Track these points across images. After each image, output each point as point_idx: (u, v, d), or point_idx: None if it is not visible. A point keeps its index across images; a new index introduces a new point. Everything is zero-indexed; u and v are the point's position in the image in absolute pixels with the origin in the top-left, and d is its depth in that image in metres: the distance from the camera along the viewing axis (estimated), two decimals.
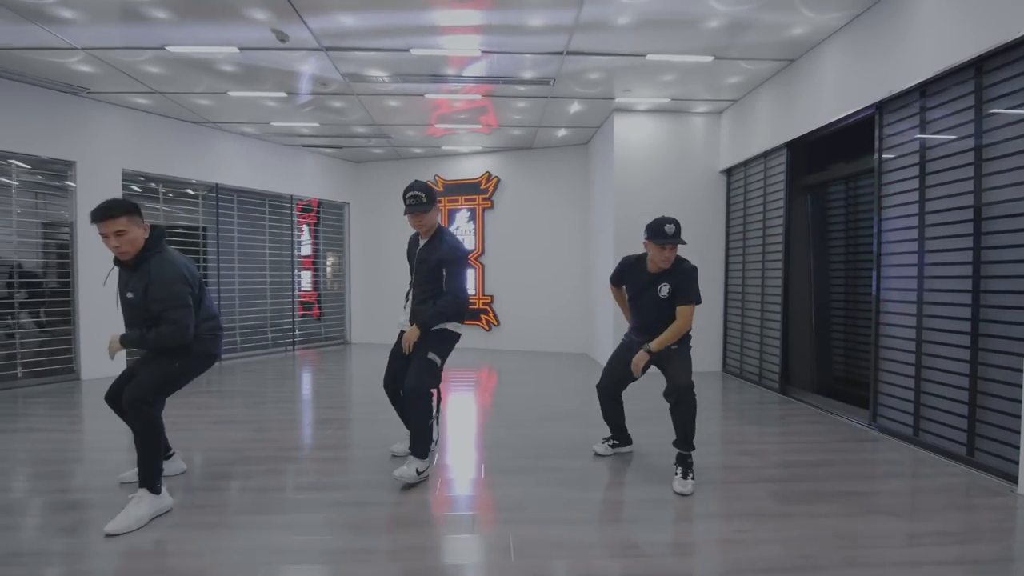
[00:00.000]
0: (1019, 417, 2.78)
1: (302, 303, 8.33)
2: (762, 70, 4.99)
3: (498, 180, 7.96)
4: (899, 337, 3.70)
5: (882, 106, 3.82)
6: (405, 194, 2.95)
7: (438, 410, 3.02)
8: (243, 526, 2.41)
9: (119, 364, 5.93)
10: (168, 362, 2.56)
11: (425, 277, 2.99)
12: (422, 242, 3.07)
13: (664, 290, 2.97)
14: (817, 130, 4.53)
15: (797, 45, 4.45)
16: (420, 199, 2.92)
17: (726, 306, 6.20)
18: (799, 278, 5.15)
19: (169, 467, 2.92)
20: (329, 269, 8.75)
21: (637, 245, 6.15)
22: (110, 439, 3.68)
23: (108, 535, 2.26)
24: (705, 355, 6.19)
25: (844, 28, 4.11)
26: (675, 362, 2.97)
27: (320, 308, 8.63)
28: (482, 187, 8.02)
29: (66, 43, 4.38)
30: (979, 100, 3.09)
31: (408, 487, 2.81)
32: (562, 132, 7.07)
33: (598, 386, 3.34)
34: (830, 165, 5.03)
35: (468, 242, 8.01)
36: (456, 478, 3.00)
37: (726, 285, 6.20)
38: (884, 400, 3.84)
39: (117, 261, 2.56)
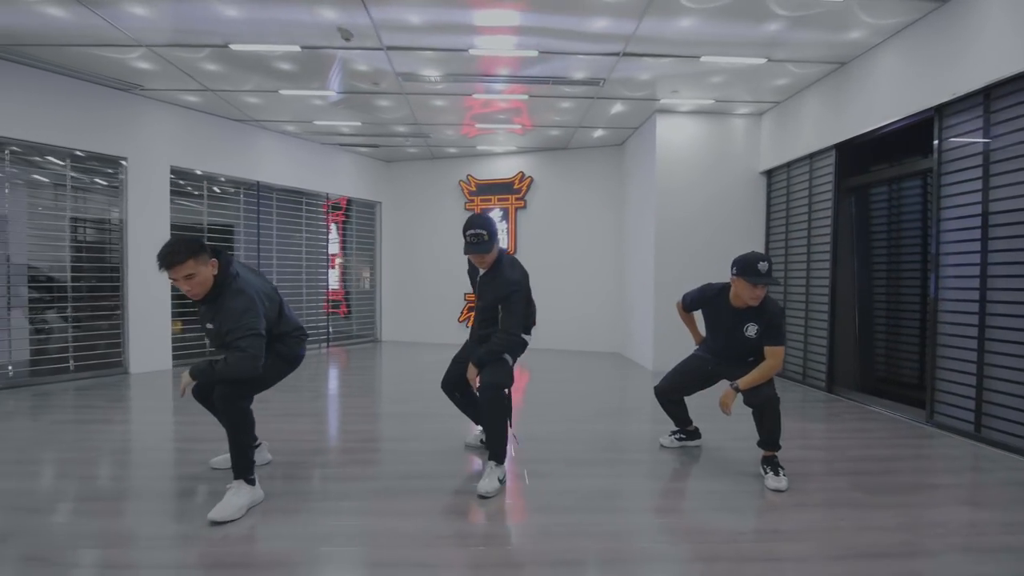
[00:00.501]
0: None
1: (331, 301, 8.39)
2: (809, 73, 5.06)
3: (531, 180, 8.04)
4: (960, 336, 3.77)
5: (941, 109, 3.89)
6: (465, 231, 2.82)
7: (509, 413, 3.00)
8: (324, 512, 2.49)
9: (167, 359, 6.01)
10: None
11: (485, 306, 2.99)
12: (482, 271, 3.00)
13: (751, 330, 2.92)
14: (867, 133, 4.60)
15: (851, 48, 4.53)
16: (482, 237, 2.78)
17: None
18: (844, 279, 5.22)
19: (256, 456, 2.99)
20: (364, 276, 8.80)
21: (679, 245, 6.23)
22: (190, 430, 3.75)
23: (212, 522, 2.32)
24: None
25: (900, 33, 4.18)
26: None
27: (348, 306, 8.70)
28: (515, 187, 8.10)
29: (131, 39, 4.45)
30: None
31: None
32: (599, 133, 7.15)
33: (657, 389, 3.36)
34: (873, 167, 5.11)
35: (500, 241, 8.07)
36: (537, 470, 3.06)
37: None
38: (942, 398, 3.91)
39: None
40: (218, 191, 6.81)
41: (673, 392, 3.34)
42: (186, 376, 2.47)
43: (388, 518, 2.41)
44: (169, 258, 2.36)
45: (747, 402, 2.95)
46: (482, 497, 2.65)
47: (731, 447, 3.45)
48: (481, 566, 2.05)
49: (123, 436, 3.64)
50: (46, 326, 5.47)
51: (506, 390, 2.89)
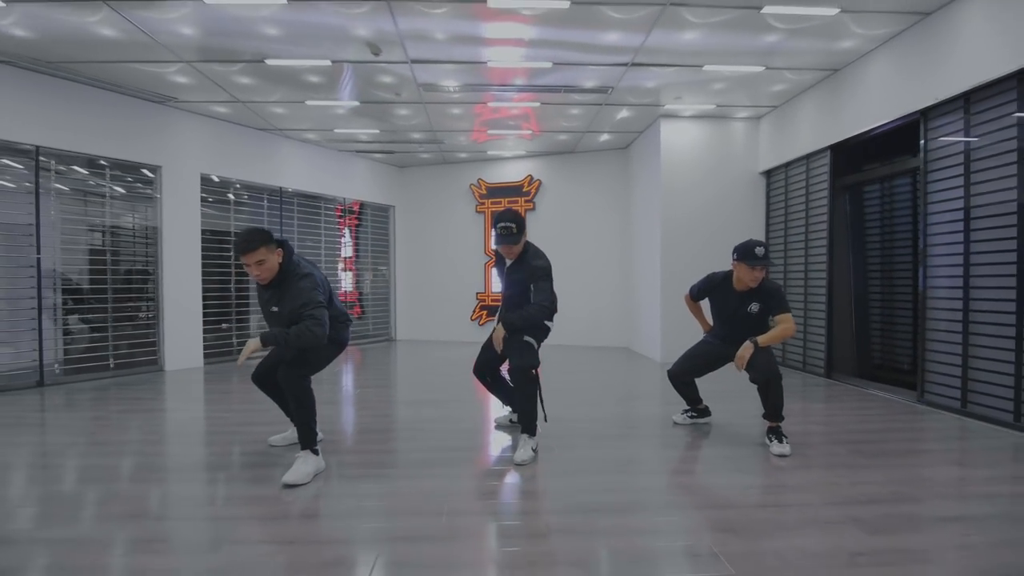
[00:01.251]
0: None
1: (346, 302, 8.70)
2: (805, 79, 5.41)
3: (540, 183, 8.38)
4: (947, 320, 4.10)
5: (926, 112, 4.23)
6: (496, 224, 3.11)
7: (540, 391, 3.27)
8: (376, 476, 2.80)
9: (199, 356, 6.31)
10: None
11: (516, 292, 3.25)
12: (509, 261, 3.28)
13: (755, 308, 3.29)
14: (860, 134, 4.94)
15: (843, 56, 4.87)
16: (511, 230, 3.07)
17: None
18: (840, 272, 5.56)
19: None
20: (370, 279, 9.11)
21: (684, 242, 6.58)
22: (240, 416, 4.06)
23: (285, 485, 2.63)
24: None
25: (888, 42, 4.53)
26: (761, 355, 3.23)
27: (362, 307, 9.00)
28: (524, 189, 8.44)
29: (173, 56, 4.79)
30: (1021, 107, 3.50)
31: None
32: (605, 137, 7.50)
33: (670, 373, 3.68)
34: (866, 166, 5.46)
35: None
36: (563, 443, 3.37)
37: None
38: (931, 378, 4.24)
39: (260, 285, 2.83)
40: (246, 197, 7.13)
41: (685, 375, 3.66)
42: (255, 343, 2.67)
43: (433, 480, 2.73)
44: (244, 245, 2.65)
45: (753, 379, 3.28)
46: (518, 465, 2.96)
47: (740, 423, 3.77)
48: (522, 513, 2.37)
49: (180, 422, 3.96)
50: (87, 327, 5.78)
51: (534, 371, 3.18)
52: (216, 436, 3.58)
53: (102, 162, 5.64)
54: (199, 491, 2.63)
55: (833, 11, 3.99)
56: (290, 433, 3.28)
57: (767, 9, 3.95)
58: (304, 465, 2.72)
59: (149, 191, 6.05)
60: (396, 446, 3.35)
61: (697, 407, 3.79)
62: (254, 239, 2.66)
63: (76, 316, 5.72)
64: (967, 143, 3.91)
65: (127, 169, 5.86)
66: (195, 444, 3.44)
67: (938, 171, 4.19)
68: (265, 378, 3.13)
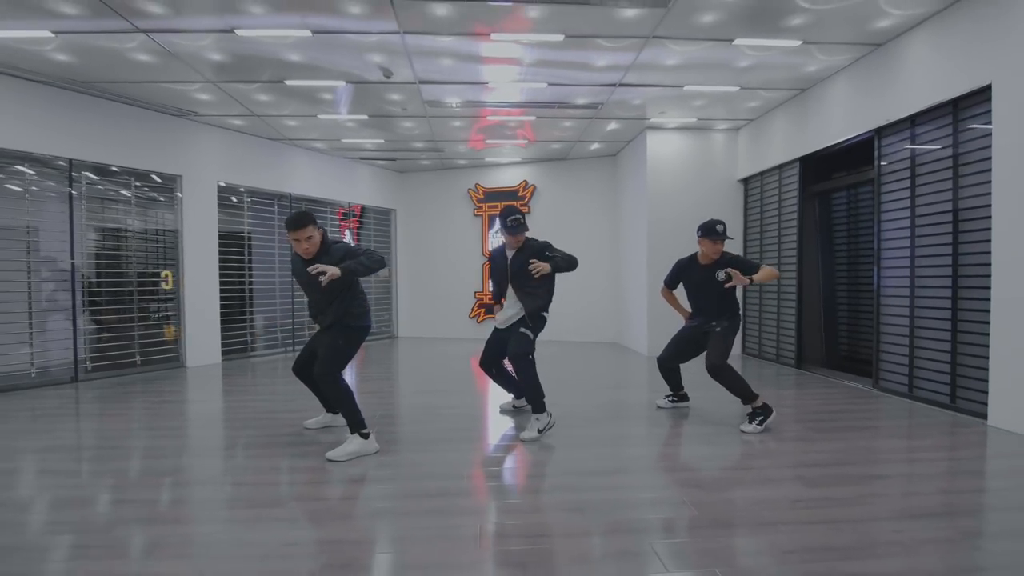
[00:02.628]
0: (987, 370, 3.72)
1: None
2: (776, 97, 5.95)
3: (535, 188, 8.88)
4: (896, 315, 4.65)
5: (880, 130, 4.77)
6: (507, 218, 3.60)
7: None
8: (418, 450, 3.29)
9: (217, 353, 6.73)
10: (334, 340, 3.19)
11: (522, 278, 3.64)
12: (510, 254, 3.73)
13: (721, 275, 3.72)
14: (826, 148, 5.48)
15: (808, 79, 5.41)
16: (519, 221, 3.62)
17: (744, 297, 7.14)
18: (809, 272, 6.11)
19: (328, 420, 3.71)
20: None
21: (669, 243, 7.12)
22: (270, 404, 4.52)
23: (329, 460, 3.04)
24: None
25: (847, 68, 5.07)
26: (714, 342, 3.76)
27: None
28: (520, 194, 8.92)
29: (201, 76, 5.22)
30: (956, 129, 4.04)
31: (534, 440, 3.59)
32: (595, 146, 8.00)
33: (659, 359, 4.19)
34: (833, 175, 6.00)
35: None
36: (562, 423, 3.88)
37: None
38: (884, 367, 4.79)
39: (298, 258, 3.20)
40: (252, 202, 7.55)
41: (671, 360, 4.15)
42: (335, 271, 2.91)
43: (452, 453, 3.22)
44: (297, 222, 3.06)
45: (710, 373, 3.75)
46: (524, 441, 3.46)
47: (715, 409, 4.29)
48: (532, 476, 2.86)
49: (217, 411, 4.41)
50: (115, 326, 6.19)
51: (531, 356, 3.65)
52: (254, 421, 4.03)
53: (127, 172, 6.04)
54: (258, 463, 3.09)
55: (797, 43, 4.52)
56: (323, 417, 3.75)
57: (738, 41, 4.46)
58: (349, 445, 3.12)
59: (170, 199, 6.46)
60: (421, 427, 3.83)
61: (678, 393, 4.31)
62: (305, 218, 3.09)
63: (104, 315, 6.12)
64: (913, 158, 4.46)
65: (150, 179, 6.26)
66: (239, 428, 3.90)
67: (890, 183, 4.73)
68: (305, 370, 3.51)
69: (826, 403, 4.47)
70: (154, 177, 6.30)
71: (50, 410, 4.45)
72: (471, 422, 3.97)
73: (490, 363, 3.99)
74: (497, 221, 3.71)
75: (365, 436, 3.18)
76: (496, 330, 3.92)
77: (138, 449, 3.40)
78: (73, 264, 5.55)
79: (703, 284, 3.88)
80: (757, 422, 3.63)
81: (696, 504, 2.46)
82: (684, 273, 4.00)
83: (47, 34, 4.30)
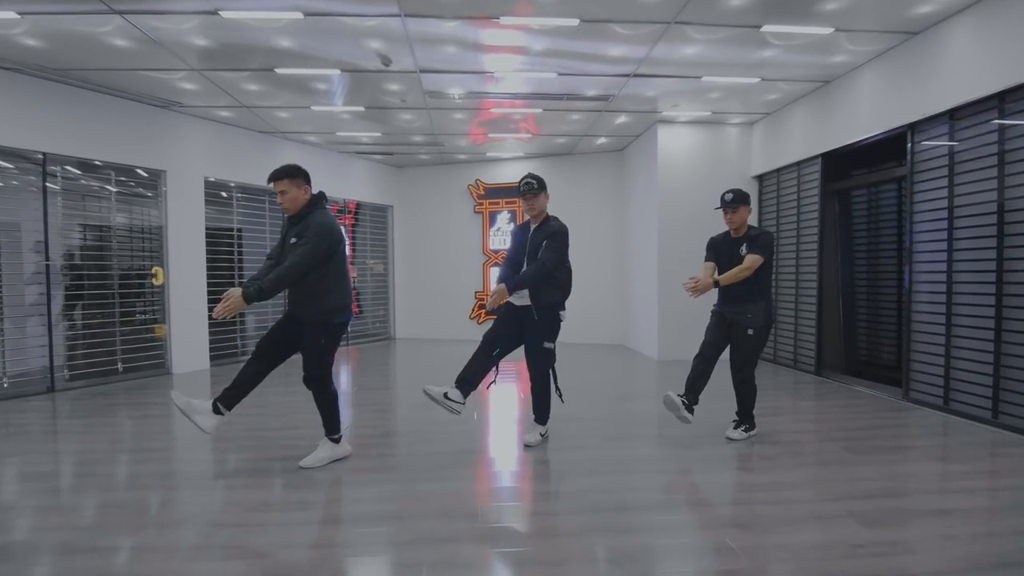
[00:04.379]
0: None
1: None
2: (796, 90, 5.63)
3: None
4: (930, 322, 4.36)
5: (914, 126, 4.47)
6: (520, 183, 3.49)
7: (556, 383, 3.55)
8: (396, 468, 2.98)
9: (205, 359, 6.37)
10: (315, 342, 3.03)
11: (533, 250, 3.45)
12: (533, 226, 3.54)
13: (744, 249, 3.50)
14: (852, 144, 5.17)
15: (833, 71, 5.09)
16: (532, 185, 3.43)
17: None
18: (829, 273, 5.82)
19: (338, 451, 3.26)
20: (371, 267, 9.21)
21: (680, 241, 6.83)
22: (271, 419, 4.20)
23: (302, 467, 3.05)
24: None
25: (878, 58, 4.75)
26: (741, 348, 3.53)
27: (359, 306, 9.09)
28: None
29: (185, 64, 4.84)
30: (1002, 125, 3.75)
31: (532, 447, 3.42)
32: (601, 140, 7.66)
33: (699, 356, 3.65)
34: (853, 172, 5.70)
35: (509, 242, 8.56)
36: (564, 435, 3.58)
37: None
38: (916, 376, 4.51)
39: (288, 217, 3.13)
40: (242, 197, 7.18)
41: (712, 353, 3.64)
42: (236, 297, 2.75)
43: (459, 483, 2.91)
44: (272, 174, 3.05)
45: (735, 381, 3.57)
46: (527, 446, 3.37)
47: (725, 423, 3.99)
48: (553, 513, 2.56)
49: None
50: (96, 331, 5.82)
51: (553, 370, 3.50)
52: (248, 435, 3.71)
53: (106, 167, 5.65)
54: (248, 465, 2.78)
55: (828, 30, 4.20)
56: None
57: (766, 28, 4.14)
58: (321, 451, 3.14)
59: (154, 195, 6.08)
60: (426, 447, 3.52)
61: (692, 404, 3.73)
62: (280, 172, 3.05)
63: (84, 319, 5.75)
64: (951, 152, 4.15)
65: (132, 173, 5.88)
66: (231, 442, 3.57)
67: (924, 181, 4.43)
68: (264, 350, 3.14)
69: (856, 417, 4.19)
70: (137, 172, 5.91)
71: (23, 426, 4.10)
72: (475, 442, 3.66)
73: (494, 343, 3.46)
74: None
75: (336, 441, 3.18)
76: (496, 323, 3.53)
77: (119, 476, 3.07)
78: (48, 264, 5.18)
79: (731, 257, 3.57)
80: (743, 429, 3.57)
81: (744, 551, 2.16)
82: (718, 246, 3.70)
83: (12, 15, 3.91)
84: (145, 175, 5.98)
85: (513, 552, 2.19)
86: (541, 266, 3.32)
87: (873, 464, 3.12)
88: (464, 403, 3.28)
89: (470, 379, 3.33)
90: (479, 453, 3.50)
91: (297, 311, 3.08)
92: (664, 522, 2.45)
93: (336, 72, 5.02)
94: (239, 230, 7.08)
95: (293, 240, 3.00)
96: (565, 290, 3.51)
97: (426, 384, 3.27)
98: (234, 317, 3.30)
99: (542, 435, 3.53)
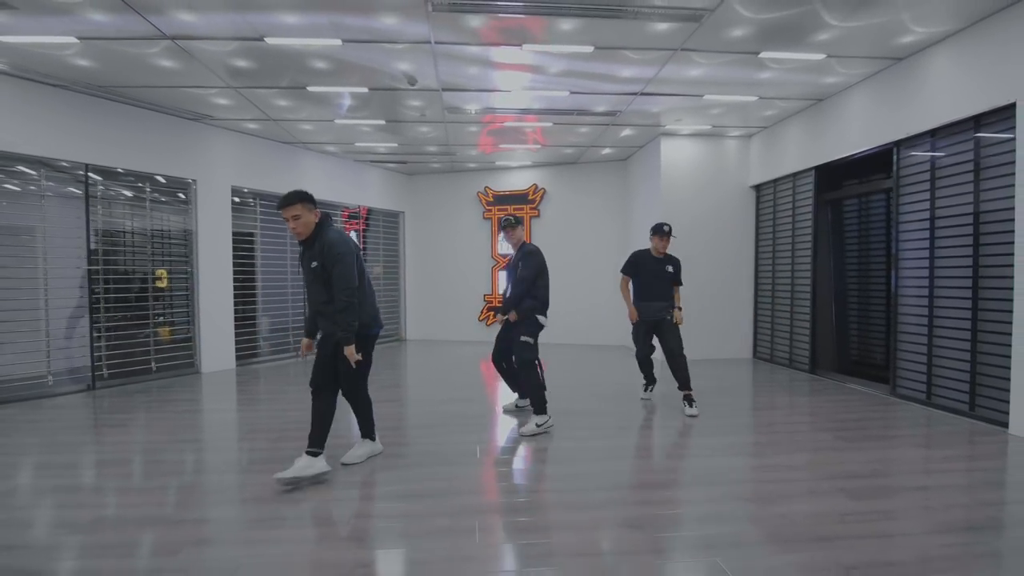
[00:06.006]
0: (1008, 379, 3.83)
1: None
2: (791, 107, 6.03)
3: (544, 191, 8.91)
4: (914, 324, 4.75)
5: (899, 143, 4.87)
6: (501, 220, 4.46)
7: (543, 377, 4.09)
8: (422, 463, 3.33)
9: (231, 359, 6.69)
10: (358, 353, 3.07)
11: (514, 271, 4.26)
12: (514, 252, 4.40)
13: (670, 268, 4.73)
14: (843, 158, 5.57)
15: (825, 90, 5.49)
16: (511, 221, 4.39)
17: (756, 301, 7.25)
18: (822, 277, 6.21)
19: (369, 448, 3.47)
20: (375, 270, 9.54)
21: (682, 246, 7.27)
22: (295, 414, 4.53)
23: (345, 464, 3.30)
24: (737, 344, 7.24)
25: (866, 80, 5.15)
26: (673, 333, 4.63)
27: None
28: (530, 197, 8.95)
29: (222, 82, 5.17)
30: (977, 144, 4.14)
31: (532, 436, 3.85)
32: (606, 150, 8.04)
33: (639, 355, 4.86)
34: (844, 183, 6.10)
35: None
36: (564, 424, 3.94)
37: (756, 283, 7.25)
38: (902, 374, 4.90)
39: (300, 243, 3.12)
40: (262, 205, 7.50)
41: (646, 353, 4.85)
42: (351, 350, 2.99)
43: (483, 467, 3.26)
44: (283, 200, 3.02)
45: (666, 353, 4.61)
46: (523, 435, 3.88)
47: (728, 417, 4.36)
48: (580, 489, 2.92)
49: (243, 420, 4.40)
50: (133, 332, 6.13)
51: (536, 361, 4.07)
52: (281, 430, 4.04)
53: (141, 176, 5.97)
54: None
55: (821, 56, 4.59)
56: (358, 448, 3.44)
57: (764, 54, 4.52)
58: (360, 448, 3.41)
59: (184, 202, 6.40)
60: (443, 436, 3.87)
61: (653, 383, 5.01)
62: (293, 197, 3.02)
63: (121, 321, 6.06)
64: (933, 167, 4.55)
65: (164, 182, 6.20)
66: (269, 437, 3.89)
67: (908, 192, 4.83)
68: (327, 386, 3.20)
69: (847, 410, 4.56)
70: (168, 181, 6.23)
71: (83, 420, 4.41)
72: (480, 419, 4.01)
73: (500, 357, 4.51)
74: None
75: (372, 439, 3.47)
76: (506, 323, 4.31)
77: (184, 463, 3.40)
78: (88, 270, 5.50)
79: (655, 272, 4.74)
80: (694, 406, 4.45)
81: (751, 519, 2.52)
82: (640, 262, 4.80)
83: (71, 39, 4.24)
84: (176, 184, 6.30)
85: (548, 520, 2.55)
86: (520, 281, 4.16)
87: (862, 450, 3.50)
88: (520, 400, 4.56)
89: (513, 388, 4.64)
90: (509, 441, 3.85)
91: (327, 330, 3.14)
92: (680, 496, 2.81)
93: (364, 90, 5.37)
94: (250, 234, 7.42)
95: (313, 264, 3.04)
96: (541, 300, 4.17)
97: (521, 431, 3.92)
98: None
99: (538, 425, 3.93)
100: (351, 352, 3.02)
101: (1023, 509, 2.71)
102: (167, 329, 6.42)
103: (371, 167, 8.89)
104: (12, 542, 2.33)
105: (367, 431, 3.43)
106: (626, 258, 4.94)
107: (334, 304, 3.02)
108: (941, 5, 3.81)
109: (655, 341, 4.83)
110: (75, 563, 2.18)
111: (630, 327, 4.87)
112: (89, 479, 3.17)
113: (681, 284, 4.81)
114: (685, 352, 4.63)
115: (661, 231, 4.73)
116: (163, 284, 6.33)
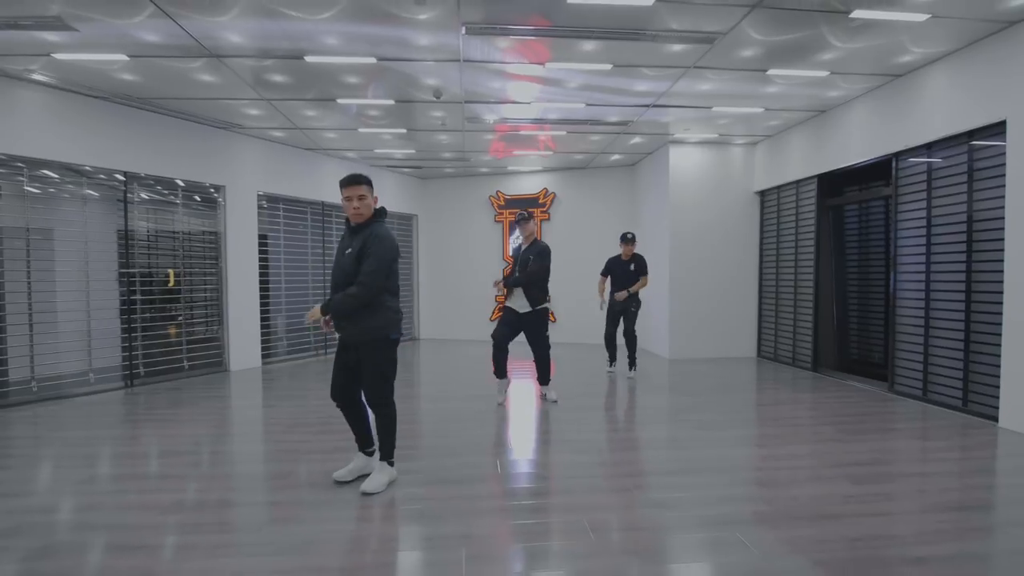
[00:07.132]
0: (998, 376, 4.14)
1: None
2: (795, 117, 6.33)
3: (555, 195, 9.20)
4: (911, 324, 5.05)
5: (898, 154, 5.17)
6: (516, 215, 5.10)
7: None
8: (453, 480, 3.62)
9: (257, 357, 6.97)
10: (377, 364, 2.93)
11: (525, 265, 4.81)
12: (524, 247, 4.95)
13: (632, 266, 6.10)
14: (844, 167, 5.87)
15: (828, 103, 5.79)
16: (525, 216, 4.97)
17: (760, 302, 7.56)
18: (824, 279, 6.52)
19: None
20: None
21: (689, 248, 7.57)
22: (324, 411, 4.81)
23: (363, 493, 2.91)
24: (742, 343, 7.55)
25: (867, 94, 5.45)
26: (632, 319, 6.15)
27: None
28: (540, 201, 9.24)
29: (257, 95, 5.45)
30: (971, 157, 4.44)
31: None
32: (615, 156, 8.34)
33: (607, 334, 6.32)
34: (845, 189, 6.41)
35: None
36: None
37: (760, 284, 7.56)
38: (899, 372, 5.20)
39: (348, 225, 3.03)
40: (286, 210, 7.79)
41: (612, 331, 6.28)
42: (316, 311, 2.89)
43: (522, 455, 3.56)
44: (354, 178, 2.97)
45: (624, 332, 6.18)
46: (552, 401, 4.86)
47: (731, 415, 4.65)
48: (611, 476, 3.21)
49: (283, 414, 4.69)
50: (170, 332, 6.41)
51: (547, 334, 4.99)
52: (316, 427, 4.32)
53: (174, 183, 6.25)
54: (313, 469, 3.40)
55: (824, 73, 4.88)
56: (355, 464, 3.17)
57: (771, 71, 4.82)
58: (381, 475, 3.00)
59: (214, 208, 6.67)
60: (473, 432, 4.16)
61: (615, 360, 6.40)
62: (362, 176, 3.00)
63: (156, 321, 6.34)
64: (929, 179, 4.85)
65: (195, 189, 6.48)
66: (311, 431, 4.18)
67: (906, 200, 5.12)
68: (343, 397, 3.09)
69: (848, 406, 4.86)
70: (199, 187, 6.50)
71: (133, 415, 4.69)
72: (521, 424, 4.31)
73: (505, 339, 4.87)
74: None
75: (392, 464, 3.08)
76: (508, 310, 4.88)
77: (238, 453, 3.68)
78: (127, 272, 5.77)
79: (624, 271, 6.14)
80: (634, 370, 6.15)
81: (765, 499, 2.81)
82: (615, 266, 6.18)
83: (122, 57, 4.51)
84: (207, 190, 6.57)
85: (575, 501, 2.84)
86: (528, 275, 4.73)
87: (862, 442, 3.80)
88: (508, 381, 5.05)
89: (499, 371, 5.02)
90: (542, 432, 4.14)
91: (346, 334, 2.95)
92: (700, 481, 3.10)
93: (391, 103, 5.65)
94: (264, 236, 7.68)
95: (348, 251, 2.90)
96: (547, 292, 4.91)
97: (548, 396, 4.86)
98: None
99: (554, 400, 4.94)
100: (316, 312, 2.91)
101: (1010, 492, 3.01)
102: (173, 329, 6.54)
103: (385, 171, 9.17)
104: (112, 522, 2.61)
105: (386, 452, 3.04)
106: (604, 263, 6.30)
107: (349, 287, 2.84)
108: (938, 28, 4.11)
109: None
110: (176, 538, 2.47)
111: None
112: (156, 468, 3.45)
113: (646, 274, 6.12)
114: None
115: (625, 239, 6.11)
116: (171, 283, 6.60)
